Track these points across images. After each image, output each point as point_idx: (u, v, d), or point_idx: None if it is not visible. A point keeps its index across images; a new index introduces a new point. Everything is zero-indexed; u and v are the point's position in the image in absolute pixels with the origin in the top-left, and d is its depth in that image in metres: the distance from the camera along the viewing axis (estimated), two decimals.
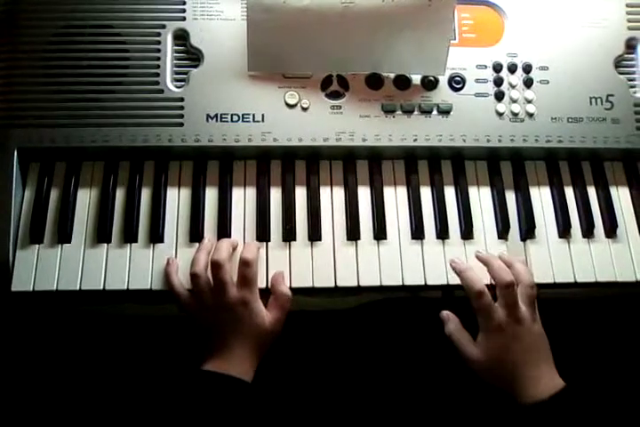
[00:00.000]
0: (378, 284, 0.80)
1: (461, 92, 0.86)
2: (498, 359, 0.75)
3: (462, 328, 0.78)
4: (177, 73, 0.84)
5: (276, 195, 0.84)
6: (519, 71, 0.87)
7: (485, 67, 0.87)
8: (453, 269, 0.80)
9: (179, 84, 0.84)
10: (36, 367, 0.92)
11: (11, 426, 0.90)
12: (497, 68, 0.87)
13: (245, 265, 0.76)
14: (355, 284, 0.80)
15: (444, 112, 0.85)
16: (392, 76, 0.86)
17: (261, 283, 0.79)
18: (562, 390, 0.72)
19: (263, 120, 0.83)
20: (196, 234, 0.81)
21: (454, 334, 0.78)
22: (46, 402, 0.91)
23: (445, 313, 0.79)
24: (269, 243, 0.81)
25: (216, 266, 0.75)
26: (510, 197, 0.86)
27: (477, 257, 0.81)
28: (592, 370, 0.94)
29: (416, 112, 0.85)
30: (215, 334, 0.75)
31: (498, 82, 0.86)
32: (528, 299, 0.76)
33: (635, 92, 0.88)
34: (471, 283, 0.76)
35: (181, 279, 0.78)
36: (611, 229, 0.85)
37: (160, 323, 0.88)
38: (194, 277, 0.76)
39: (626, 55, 0.89)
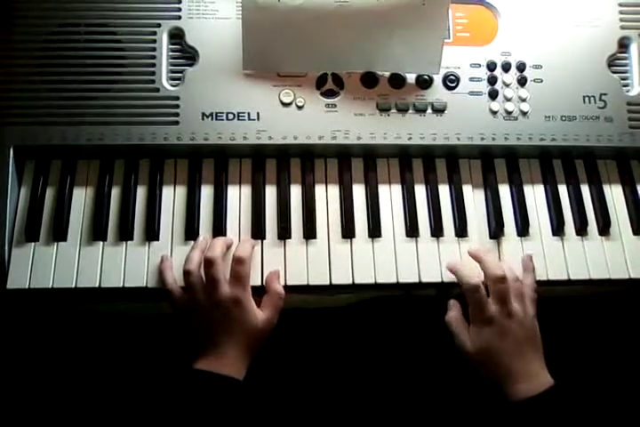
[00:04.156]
0: (372, 281, 0.80)
1: (455, 90, 0.86)
2: (487, 352, 0.75)
3: (462, 318, 0.79)
4: (172, 72, 0.84)
5: (271, 193, 0.84)
6: (513, 70, 0.87)
7: (479, 65, 0.87)
8: (449, 267, 0.80)
9: (174, 82, 0.84)
10: (29, 365, 0.92)
11: (4, 420, 0.90)
12: (491, 66, 0.87)
13: (238, 263, 0.76)
14: (349, 281, 0.80)
15: (439, 111, 0.85)
16: (387, 74, 0.86)
17: (257, 281, 0.79)
18: (551, 388, 0.73)
19: (258, 118, 0.83)
20: (191, 232, 0.81)
21: (452, 323, 0.78)
22: (37, 398, 0.91)
23: (453, 301, 0.80)
24: (265, 241, 0.81)
25: (209, 263, 0.75)
26: (504, 196, 0.86)
27: (469, 253, 0.82)
28: (586, 367, 0.95)
29: (411, 111, 0.85)
30: (207, 333, 0.75)
31: (492, 80, 0.87)
32: (516, 294, 0.77)
33: (627, 91, 0.89)
34: (467, 277, 0.78)
35: (176, 277, 0.78)
36: (604, 227, 0.85)
37: (155, 321, 0.88)
38: (186, 274, 0.76)
39: (619, 54, 0.90)
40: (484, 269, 0.78)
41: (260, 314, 0.76)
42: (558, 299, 0.86)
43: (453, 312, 0.79)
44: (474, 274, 0.78)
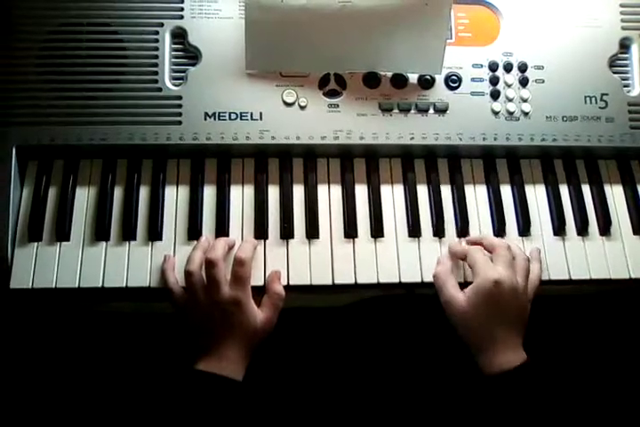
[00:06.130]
0: (375, 281, 0.80)
1: (457, 90, 0.86)
2: (478, 313, 0.75)
3: (451, 273, 0.79)
4: (175, 71, 0.84)
5: (273, 193, 0.84)
6: (515, 70, 0.87)
7: (481, 66, 0.87)
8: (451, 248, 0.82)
9: (177, 82, 0.84)
10: (32, 364, 0.92)
11: (7, 419, 0.90)
12: (493, 67, 0.87)
13: (239, 264, 0.76)
14: (352, 281, 0.80)
15: (441, 111, 0.85)
16: (389, 74, 0.86)
17: (259, 281, 0.79)
18: (525, 362, 0.73)
19: (261, 118, 0.83)
20: (194, 232, 0.81)
21: (441, 276, 0.78)
22: (39, 397, 0.91)
23: (442, 256, 0.81)
24: (267, 240, 0.81)
25: (210, 264, 0.75)
26: (506, 195, 0.86)
27: (468, 240, 0.83)
28: (586, 366, 0.95)
29: (413, 111, 0.85)
30: (207, 333, 0.75)
31: (494, 81, 0.87)
32: (522, 271, 0.78)
33: (628, 91, 0.89)
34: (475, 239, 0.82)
35: (178, 277, 0.78)
36: (605, 227, 0.85)
37: (157, 320, 0.88)
38: (188, 274, 0.76)
39: (620, 55, 0.90)
40: (487, 242, 0.80)
41: (259, 315, 0.77)
42: (559, 298, 0.87)
43: (443, 266, 0.80)
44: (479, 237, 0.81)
